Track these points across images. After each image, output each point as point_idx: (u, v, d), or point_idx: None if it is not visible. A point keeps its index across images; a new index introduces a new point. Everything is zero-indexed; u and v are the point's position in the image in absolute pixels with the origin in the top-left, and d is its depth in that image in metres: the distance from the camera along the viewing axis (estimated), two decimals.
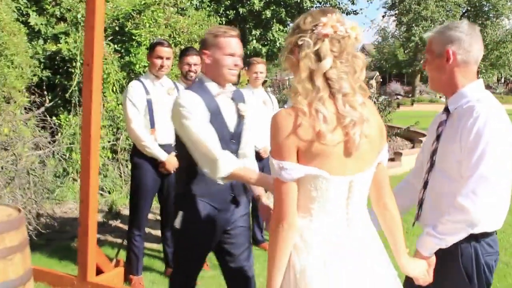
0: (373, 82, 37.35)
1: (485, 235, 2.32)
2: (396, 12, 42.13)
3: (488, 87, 50.85)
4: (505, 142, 2.20)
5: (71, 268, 4.78)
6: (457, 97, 2.36)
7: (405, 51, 42.26)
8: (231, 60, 2.93)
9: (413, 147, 12.07)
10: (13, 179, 5.40)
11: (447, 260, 2.32)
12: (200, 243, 3.05)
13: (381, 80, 46.78)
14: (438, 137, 2.40)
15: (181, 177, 3.12)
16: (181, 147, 2.96)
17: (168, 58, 4.45)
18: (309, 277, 1.88)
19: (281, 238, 1.88)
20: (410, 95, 41.59)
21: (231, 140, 3.01)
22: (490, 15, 40.68)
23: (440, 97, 43.74)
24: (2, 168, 5.05)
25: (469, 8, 41.24)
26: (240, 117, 3.08)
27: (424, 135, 13.47)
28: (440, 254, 2.31)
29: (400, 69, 45.29)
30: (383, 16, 44.74)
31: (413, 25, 39.14)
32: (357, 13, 22.77)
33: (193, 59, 4.79)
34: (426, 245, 2.29)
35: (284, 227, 1.87)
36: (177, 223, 3.02)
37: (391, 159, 10.07)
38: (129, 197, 4.76)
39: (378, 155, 2.06)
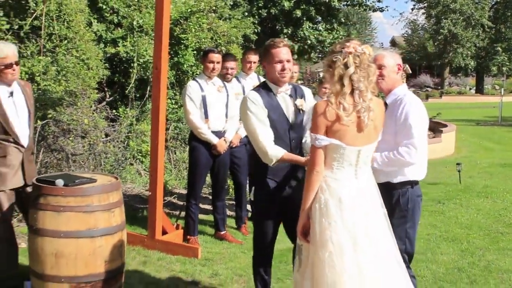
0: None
1: (415, 183, 3.56)
2: (425, 5, 42.10)
3: None
4: (422, 120, 3.49)
5: (139, 231, 5.87)
6: (392, 94, 3.59)
7: (435, 43, 42.10)
8: (280, 66, 3.56)
9: (433, 137, 12.95)
10: (88, 160, 6.58)
11: (392, 200, 3.51)
12: (269, 209, 3.64)
13: (410, 72, 46.67)
14: None
15: (251, 160, 3.90)
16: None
17: (218, 62, 5.51)
18: (329, 207, 2.96)
19: (313, 179, 3.00)
20: (439, 87, 41.69)
21: (290, 130, 3.60)
22: None
23: (470, 88, 43.80)
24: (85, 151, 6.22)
25: (498, 0, 41.06)
26: (299, 110, 3.65)
27: (445, 126, 14.30)
28: (388, 195, 3.43)
29: (429, 61, 45.10)
30: (412, 9, 44.78)
31: (442, 17, 39.12)
32: (383, 10, 23.34)
33: (230, 64, 5.86)
34: None
35: (314, 173, 2.99)
36: (252, 195, 3.73)
37: None
38: (186, 174, 5.80)
39: (379, 135, 3.14)
